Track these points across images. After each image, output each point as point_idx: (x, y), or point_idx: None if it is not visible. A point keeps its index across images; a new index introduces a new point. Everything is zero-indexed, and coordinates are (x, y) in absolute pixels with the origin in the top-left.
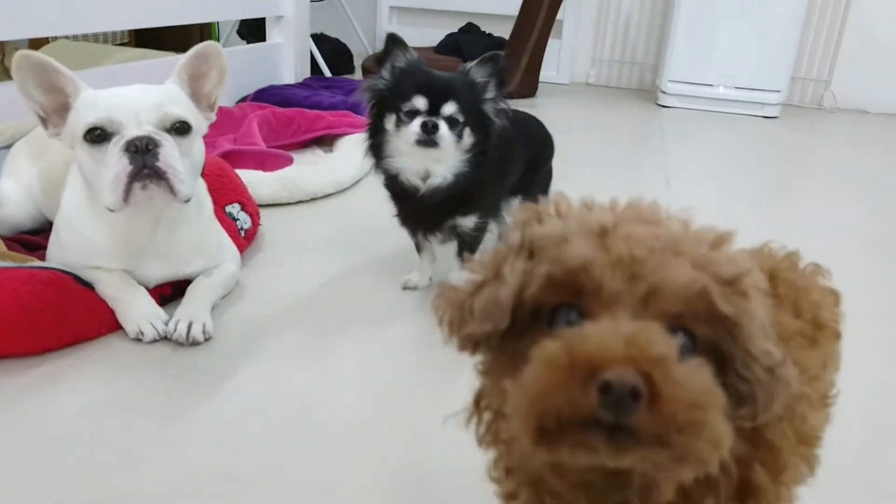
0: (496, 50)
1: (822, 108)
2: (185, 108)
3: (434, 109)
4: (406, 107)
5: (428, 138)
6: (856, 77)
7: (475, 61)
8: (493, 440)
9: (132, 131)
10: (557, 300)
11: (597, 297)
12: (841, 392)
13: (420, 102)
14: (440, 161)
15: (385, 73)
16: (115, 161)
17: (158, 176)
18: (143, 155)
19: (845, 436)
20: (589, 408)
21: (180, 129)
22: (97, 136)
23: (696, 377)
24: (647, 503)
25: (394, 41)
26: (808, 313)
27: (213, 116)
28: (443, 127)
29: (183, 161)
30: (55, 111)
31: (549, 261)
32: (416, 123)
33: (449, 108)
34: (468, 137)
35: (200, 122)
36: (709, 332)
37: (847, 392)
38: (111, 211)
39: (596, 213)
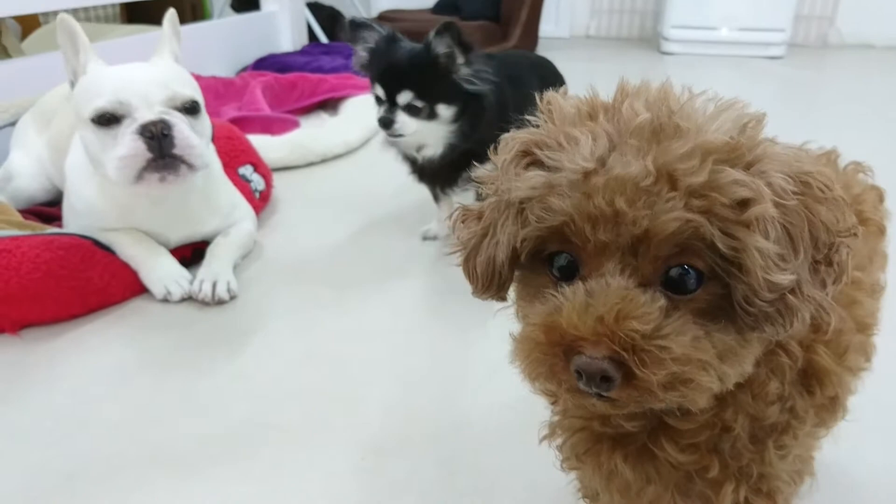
0: (494, 7)
1: (827, 45)
2: (190, 86)
3: (392, 98)
4: (372, 92)
5: (387, 132)
6: (860, 11)
7: (433, 32)
8: None
9: (144, 114)
10: (551, 248)
11: (585, 247)
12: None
13: (379, 91)
14: (426, 136)
15: (361, 51)
16: (128, 141)
17: (176, 163)
18: (159, 140)
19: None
20: (571, 382)
21: (191, 109)
22: (106, 119)
23: (676, 343)
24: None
25: (354, 26)
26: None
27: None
28: (400, 118)
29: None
30: (75, 75)
31: (536, 217)
32: (377, 117)
33: (404, 98)
34: (446, 111)
35: (201, 95)
36: (712, 261)
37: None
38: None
39: (583, 144)
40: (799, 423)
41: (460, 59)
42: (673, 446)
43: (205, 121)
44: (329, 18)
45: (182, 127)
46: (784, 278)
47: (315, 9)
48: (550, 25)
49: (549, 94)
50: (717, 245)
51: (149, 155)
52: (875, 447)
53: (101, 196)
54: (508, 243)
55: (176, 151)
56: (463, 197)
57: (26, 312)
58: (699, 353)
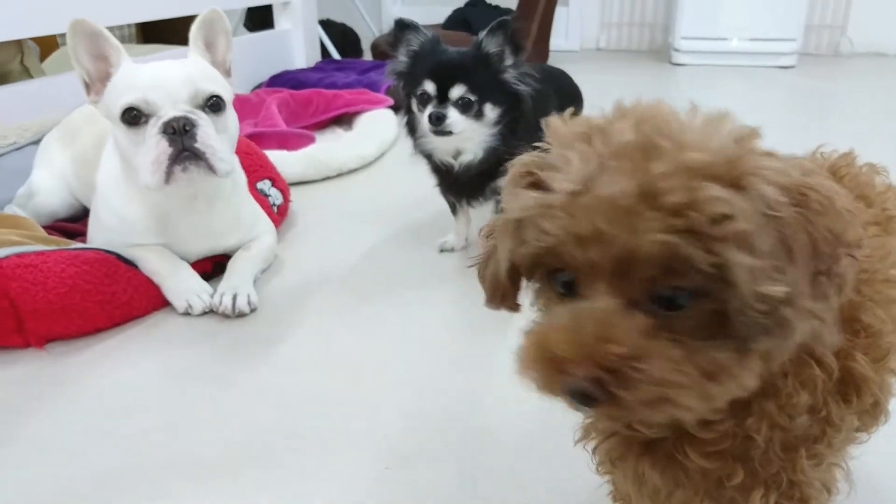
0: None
1: (839, 54)
2: (215, 82)
3: (443, 94)
4: (418, 91)
5: (437, 129)
6: (872, 20)
7: (485, 31)
8: None
9: (168, 112)
10: (550, 265)
11: (575, 266)
12: None
13: (429, 87)
14: (468, 139)
15: (402, 56)
16: (153, 143)
17: (197, 157)
18: (181, 136)
19: None
20: (563, 395)
21: (214, 105)
22: (133, 116)
23: (653, 365)
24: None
25: (401, 27)
26: (877, 205)
27: (231, 80)
28: (452, 114)
29: (220, 138)
30: (99, 79)
31: (530, 237)
32: (426, 114)
33: (457, 91)
34: (491, 112)
35: (229, 92)
36: (700, 280)
37: None
38: (150, 189)
39: (573, 166)
40: (834, 431)
41: (509, 60)
42: (696, 454)
43: (230, 117)
44: (341, 35)
45: (206, 128)
46: (775, 290)
47: (327, 26)
48: (561, 39)
49: (551, 118)
50: (699, 263)
51: (170, 150)
52: None
53: (132, 205)
54: (507, 259)
55: (197, 146)
56: (482, 210)
57: (52, 326)
58: (676, 376)
